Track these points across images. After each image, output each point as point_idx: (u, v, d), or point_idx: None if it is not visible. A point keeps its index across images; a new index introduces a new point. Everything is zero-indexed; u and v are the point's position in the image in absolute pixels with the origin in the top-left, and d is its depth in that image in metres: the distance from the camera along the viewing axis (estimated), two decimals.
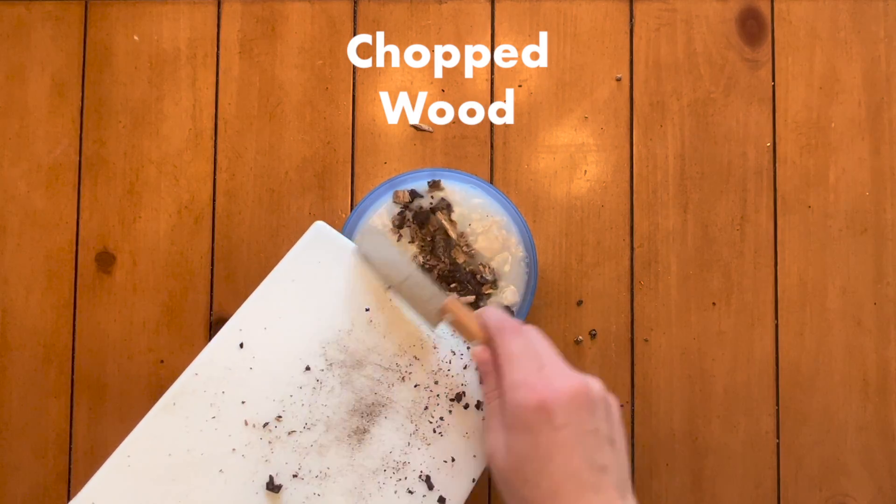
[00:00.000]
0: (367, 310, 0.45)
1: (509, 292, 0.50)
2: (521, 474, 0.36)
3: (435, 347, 0.45)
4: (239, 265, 0.56)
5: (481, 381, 0.42)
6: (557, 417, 0.35)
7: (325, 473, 0.42)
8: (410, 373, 0.44)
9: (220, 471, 0.41)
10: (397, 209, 0.51)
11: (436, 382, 0.44)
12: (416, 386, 0.44)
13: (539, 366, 0.38)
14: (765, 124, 0.56)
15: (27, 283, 0.56)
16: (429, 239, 0.50)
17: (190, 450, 0.42)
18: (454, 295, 0.45)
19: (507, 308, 0.50)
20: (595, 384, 0.37)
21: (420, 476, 0.43)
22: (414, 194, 0.51)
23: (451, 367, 0.45)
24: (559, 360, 0.39)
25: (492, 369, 0.40)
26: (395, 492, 0.42)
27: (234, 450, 0.42)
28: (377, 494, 0.42)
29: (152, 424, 0.42)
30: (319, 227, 0.46)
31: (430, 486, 0.43)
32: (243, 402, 0.43)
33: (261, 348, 0.44)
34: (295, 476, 0.42)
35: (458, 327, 0.42)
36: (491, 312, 0.41)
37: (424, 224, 0.50)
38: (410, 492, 0.43)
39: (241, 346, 0.43)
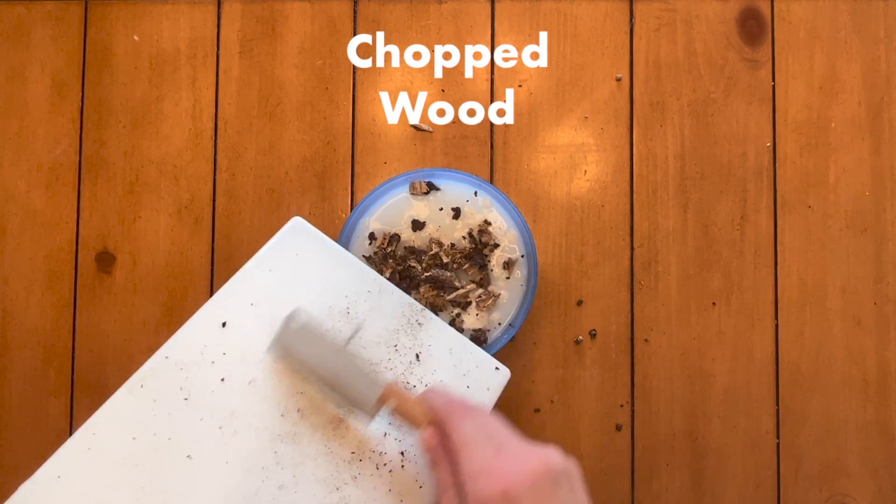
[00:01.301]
0: (346, 297, 0.45)
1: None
2: None
3: (420, 323, 0.45)
4: (239, 265, 0.55)
5: (432, 469, 0.39)
6: (523, 502, 0.34)
7: (299, 461, 0.41)
8: (391, 358, 0.44)
9: (189, 456, 0.40)
10: (416, 200, 0.51)
11: (418, 359, 0.44)
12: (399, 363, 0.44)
13: (496, 448, 0.36)
14: (765, 124, 0.56)
15: (27, 283, 0.56)
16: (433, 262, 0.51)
17: (156, 433, 0.40)
18: (391, 379, 0.43)
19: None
20: (554, 456, 0.36)
21: (401, 453, 0.42)
22: (431, 186, 0.51)
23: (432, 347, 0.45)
24: (513, 436, 0.37)
25: (443, 455, 0.38)
26: (371, 476, 0.42)
27: (203, 435, 0.41)
28: (352, 484, 0.42)
29: (117, 406, 0.41)
30: (297, 223, 0.46)
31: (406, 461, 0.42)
32: (217, 384, 0.42)
33: (236, 333, 0.43)
34: (266, 464, 0.41)
35: (402, 414, 0.39)
36: (436, 395, 0.39)
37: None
38: (390, 471, 0.42)
39: (224, 325, 0.43)
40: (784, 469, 0.54)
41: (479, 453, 0.35)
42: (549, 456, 0.35)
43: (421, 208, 0.51)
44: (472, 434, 0.36)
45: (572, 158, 0.56)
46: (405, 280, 0.50)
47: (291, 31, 0.57)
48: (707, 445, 0.54)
